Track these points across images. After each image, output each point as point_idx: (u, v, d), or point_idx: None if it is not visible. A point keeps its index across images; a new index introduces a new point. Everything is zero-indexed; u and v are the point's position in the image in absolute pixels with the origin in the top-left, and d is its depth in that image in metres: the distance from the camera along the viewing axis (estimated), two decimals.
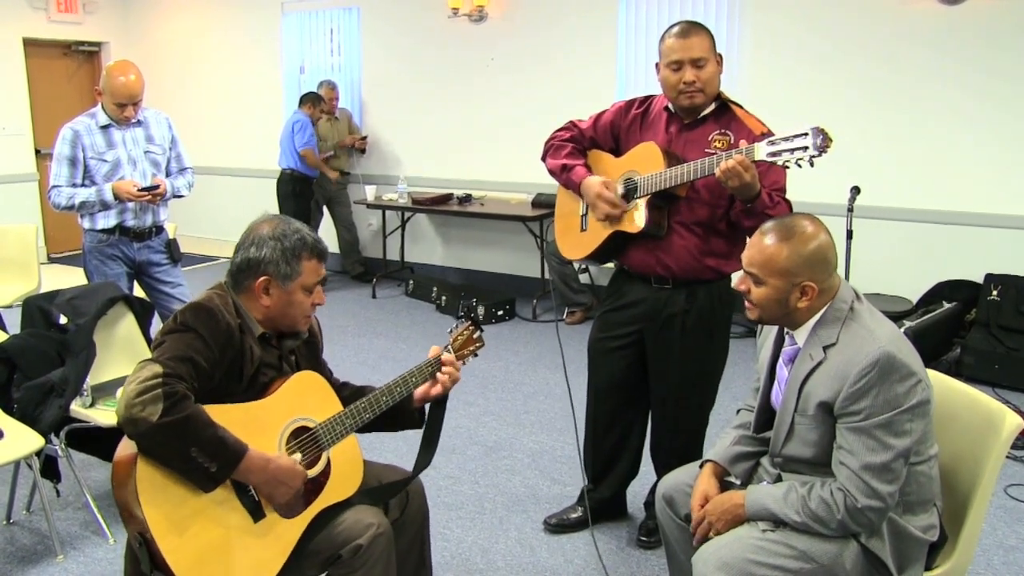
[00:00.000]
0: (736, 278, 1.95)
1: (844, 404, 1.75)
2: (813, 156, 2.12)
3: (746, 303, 1.91)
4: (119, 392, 2.11)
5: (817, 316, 1.85)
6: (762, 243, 1.84)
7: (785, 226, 1.84)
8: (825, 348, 1.81)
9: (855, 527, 1.76)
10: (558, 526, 2.97)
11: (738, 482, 2.05)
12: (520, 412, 4.12)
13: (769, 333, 2.06)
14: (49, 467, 2.98)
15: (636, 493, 3.07)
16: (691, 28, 2.47)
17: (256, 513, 1.83)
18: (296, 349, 2.08)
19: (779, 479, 1.94)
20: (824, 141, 2.11)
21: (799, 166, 2.18)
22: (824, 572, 1.77)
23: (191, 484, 1.74)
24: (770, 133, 2.35)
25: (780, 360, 1.97)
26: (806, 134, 2.13)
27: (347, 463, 2.01)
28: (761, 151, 2.22)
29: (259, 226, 1.97)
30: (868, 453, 1.72)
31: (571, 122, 2.79)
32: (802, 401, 1.85)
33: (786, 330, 1.95)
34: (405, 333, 5.56)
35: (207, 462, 1.71)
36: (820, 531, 1.77)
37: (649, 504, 2.95)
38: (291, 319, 1.98)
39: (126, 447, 1.75)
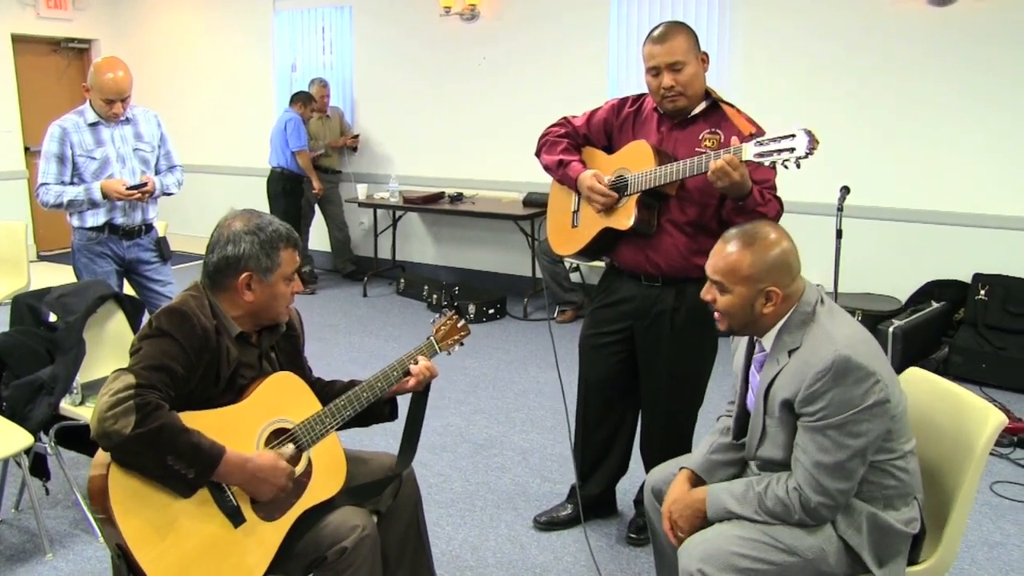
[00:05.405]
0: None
1: (800, 405, 1.78)
2: (800, 158, 2.14)
3: (715, 315, 1.92)
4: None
5: (782, 321, 1.86)
6: (725, 251, 1.85)
7: (747, 233, 1.85)
8: (790, 352, 1.83)
9: (813, 524, 1.80)
10: (548, 523, 2.98)
11: None
12: (510, 410, 4.13)
13: (741, 340, 2.08)
14: (38, 465, 2.98)
15: (626, 491, 3.08)
16: (668, 31, 2.47)
17: (235, 518, 1.80)
18: (276, 345, 2.06)
19: None
20: (811, 143, 2.13)
21: (786, 167, 2.20)
22: (808, 565, 1.79)
23: (169, 491, 1.72)
24: (760, 132, 2.36)
25: (752, 367, 2.00)
26: (794, 135, 2.15)
27: (329, 462, 1.99)
28: (749, 151, 2.23)
29: (230, 223, 1.94)
30: (820, 452, 1.75)
31: (565, 118, 2.79)
32: (769, 403, 1.87)
33: (755, 337, 1.96)
34: (396, 332, 5.57)
35: (184, 469, 1.70)
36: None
37: (639, 502, 2.97)
38: (274, 311, 1.97)
39: (101, 455, 1.74)
